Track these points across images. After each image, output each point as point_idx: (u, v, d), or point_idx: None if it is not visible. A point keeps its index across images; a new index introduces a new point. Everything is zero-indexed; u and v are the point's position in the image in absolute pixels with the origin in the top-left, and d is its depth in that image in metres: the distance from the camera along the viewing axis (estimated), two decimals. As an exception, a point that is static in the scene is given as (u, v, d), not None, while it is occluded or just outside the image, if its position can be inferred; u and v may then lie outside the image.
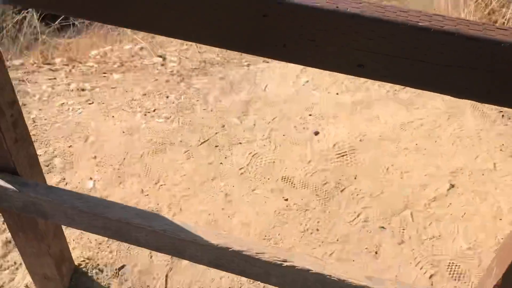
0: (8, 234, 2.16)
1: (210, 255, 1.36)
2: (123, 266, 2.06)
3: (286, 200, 2.39)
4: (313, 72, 3.48)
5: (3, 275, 2.02)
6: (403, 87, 3.35)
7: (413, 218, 2.36)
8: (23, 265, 2.04)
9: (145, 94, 3.20)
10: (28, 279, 1.98)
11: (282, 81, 3.37)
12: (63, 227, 1.89)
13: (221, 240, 1.33)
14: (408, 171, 2.63)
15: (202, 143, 2.74)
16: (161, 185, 2.45)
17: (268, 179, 2.51)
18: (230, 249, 1.32)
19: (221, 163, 2.60)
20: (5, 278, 2.01)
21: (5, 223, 2.16)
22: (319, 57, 0.82)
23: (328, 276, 1.28)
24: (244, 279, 2.03)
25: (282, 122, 2.93)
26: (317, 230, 2.26)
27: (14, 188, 1.42)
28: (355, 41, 0.79)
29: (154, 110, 3.01)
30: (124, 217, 1.38)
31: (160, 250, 1.44)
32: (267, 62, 3.80)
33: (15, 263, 2.06)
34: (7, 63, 3.64)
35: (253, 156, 2.66)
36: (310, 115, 2.99)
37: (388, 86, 3.33)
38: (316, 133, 2.82)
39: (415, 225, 2.33)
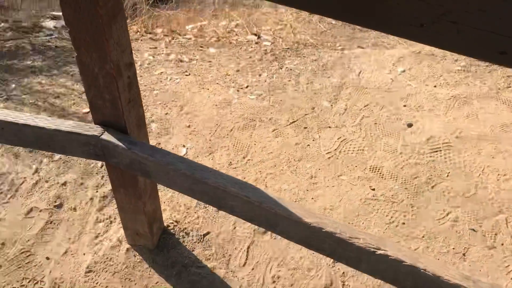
0: (105, 189, 2.31)
1: (302, 233, 1.37)
2: (208, 233, 2.13)
3: (373, 189, 2.34)
4: (410, 62, 3.35)
5: (98, 227, 2.17)
6: (508, 85, 3.13)
7: (507, 224, 2.23)
8: (117, 220, 2.19)
9: (238, 71, 3.25)
10: (121, 233, 2.11)
11: (377, 68, 3.28)
12: (158, 188, 1.99)
13: (316, 219, 1.33)
14: (506, 175, 2.48)
15: (291, 123, 2.74)
16: (249, 160, 2.50)
17: (356, 166, 2.47)
18: (323, 230, 1.32)
19: (308, 145, 2.60)
20: (100, 230, 2.16)
21: (104, 178, 2.32)
22: (458, 40, 0.78)
23: (422, 270, 1.25)
24: (323, 262, 2.03)
25: (375, 110, 2.86)
26: (403, 223, 2.20)
27: (124, 146, 1.51)
28: (501, 25, 0.74)
29: (246, 87, 3.05)
30: (223, 184, 1.42)
31: (252, 221, 1.47)
32: (362, 48, 3.72)
33: (109, 217, 2.20)
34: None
35: (342, 141, 2.62)
36: (404, 105, 2.89)
37: (490, 82, 3.13)
38: (410, 125, 2.73)
39: (509, 231, 2.20)
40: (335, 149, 2.57)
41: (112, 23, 1.32)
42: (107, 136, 1.54)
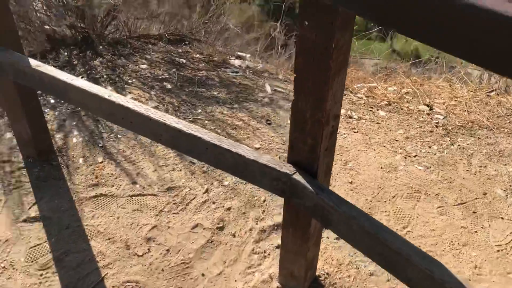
0: (264, 224, 2.41)
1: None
2: (357, 295, 2.09)
3: (548, 299, 2.10)
4: None
5: (253, 258, 2.26)
6: None
7: None
8: (271, 256, 2.25)
9: (407, 138, 3.20)
10: (273, 270, 2.17)
11: None
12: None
13: (507, 316, 1.23)
14: None
15: (458, 204, 2.60)
16: (408, 231, 2.41)
17: (529, 268, 2.24)
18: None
19: (476, 231, 2.43)
20: (254, 261, 2.24)
21: (265, 213, 2.42)
22: None
23: None
24: None
25: (557, 211, 2.59)
26: None
27: (312, 190, 1.58)
28: None
29: (414, 156, 2.99)
30: (406, 252, 1.39)
31: (428, 297, 1.41)
32: (545, 141, 3.42)
33: (264, 251, 2.28)
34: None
35: (515, 236, 2.41)
36: None
37: None
38: None
39: None
40: (506, 244, 2.37)
41: (336, 76, 1.42)
42: (298, 177, 1.62)
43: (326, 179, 1.73)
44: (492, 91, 4.47)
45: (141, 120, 1.87)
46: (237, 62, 4.16)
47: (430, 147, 3.10)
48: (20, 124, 2.56)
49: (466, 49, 0.93)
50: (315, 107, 1.47)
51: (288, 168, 1.66)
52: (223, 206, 2.50)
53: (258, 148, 2.93)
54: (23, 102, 2.46)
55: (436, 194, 2.66)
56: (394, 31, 1.03)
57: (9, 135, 2.92)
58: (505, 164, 2.98)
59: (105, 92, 1.93)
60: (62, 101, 3.20)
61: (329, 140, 1.60)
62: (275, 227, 2.40)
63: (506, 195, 2.69)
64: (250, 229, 2.38)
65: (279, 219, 2.43)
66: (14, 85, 2.37)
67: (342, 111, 3.46)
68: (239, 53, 4.57)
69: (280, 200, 2.54)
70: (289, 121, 3.25)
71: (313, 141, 1.56)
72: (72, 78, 2.00)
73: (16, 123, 2.58)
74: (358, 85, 4.34)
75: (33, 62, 2.10)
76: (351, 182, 2.71)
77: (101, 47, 3.88)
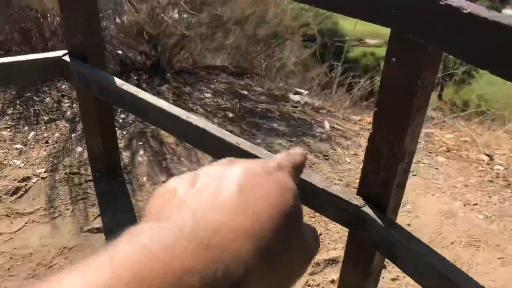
0: (319, 257, 2.41)
1: None
2: None
3: None
4: None
5: (305, 290, 2.26)
6: None
7: None
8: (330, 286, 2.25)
9: (467, 186, 3.15)
10: (327, 304, 2.16)
11: None
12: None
13: None
14: None
15: (521, 257, 2.52)
16: (467, 280, 2.35)
17: None
18: None
19: (540, 287, 2.34)
20: (307, 293, 2.24)
21: (322, 246, 2.42)
22: None
23: None
24: None
25: None
26: None
27: (381, 224, 1.59)
28: None
29: (474, 204, 2.93)
30: (479, 295, 1.38)
31: None
32: None
33: (318, 285, 2.28)
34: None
35: None
36: None
37: None
38: None
39: None
40: None
41: (416, 114, 1.45)
42: (367, 210, 1.64)
43: (394, 216, 1.74)
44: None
45: (214, 142, 1.95)
46: (295, 98, 4.25)
47: (490, 197, 3.04)
48: (94, 139, 2.71)
49: None
50: (393, 142, 1.51)
51: (358, 200, 1.68)
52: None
53: (315, 182, 2.96)
54: (99, 118, 2.61)
55: (497, 245, 2.59)
56: (491, 72, 1.06)
57: (79, 149, 3.09)
58: None
59: (184, 113, 2.03)
60: (130, 122, 3.37)
61: (402, 176, 1.62)
62: (330, 262, 2.40)
63: None
64: (305, 261, 2.39)
65: (334, 254, 2.43)
66: (94, 103, 2.53)
67: (400, 154, 3.46)
68: (297, 89, 4.68)
69: (336, 235, 2.55)
70: (346, 159, 3.27)
71: (386, 176, 1.58)
72: (152, 98, 2.12)
73: (90, 138, 2.73)
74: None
75: (118, 81, 2.24)
76: (408, 225, 2.68)
77: (168, 74, 4.08)
